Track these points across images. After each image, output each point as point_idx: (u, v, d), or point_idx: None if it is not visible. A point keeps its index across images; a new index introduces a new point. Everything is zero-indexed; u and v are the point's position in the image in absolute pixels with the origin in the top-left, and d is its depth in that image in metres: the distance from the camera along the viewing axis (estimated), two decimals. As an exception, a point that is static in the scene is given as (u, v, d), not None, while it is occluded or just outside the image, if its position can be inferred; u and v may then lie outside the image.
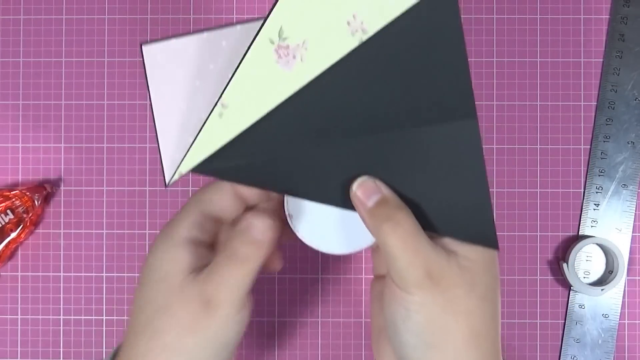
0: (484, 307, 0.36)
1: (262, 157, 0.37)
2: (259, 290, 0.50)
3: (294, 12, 0.36)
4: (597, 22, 0.50)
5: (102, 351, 0.49)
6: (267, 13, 0.35)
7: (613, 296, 0.49)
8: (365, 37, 0.36)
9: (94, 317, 0.50)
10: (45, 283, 0.50)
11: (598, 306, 0.49)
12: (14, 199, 0.48)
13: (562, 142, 0.50)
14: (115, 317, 0.49)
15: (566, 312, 0.49)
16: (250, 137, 0.37)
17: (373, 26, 0.36)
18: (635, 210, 0.49)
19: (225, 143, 0.37)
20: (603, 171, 0.49)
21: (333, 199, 0.38)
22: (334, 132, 0.37)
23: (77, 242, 0.50)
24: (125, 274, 0.50)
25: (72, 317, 0.50)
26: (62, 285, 0.50)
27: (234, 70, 0.36)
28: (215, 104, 0.36)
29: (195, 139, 0.37)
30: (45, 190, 0.49)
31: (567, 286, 0.49)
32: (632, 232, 0.49)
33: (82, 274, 0.50)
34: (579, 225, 0.49)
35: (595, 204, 0.49)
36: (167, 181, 0.38)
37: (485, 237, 0.37)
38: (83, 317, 0.50)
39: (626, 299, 0.49)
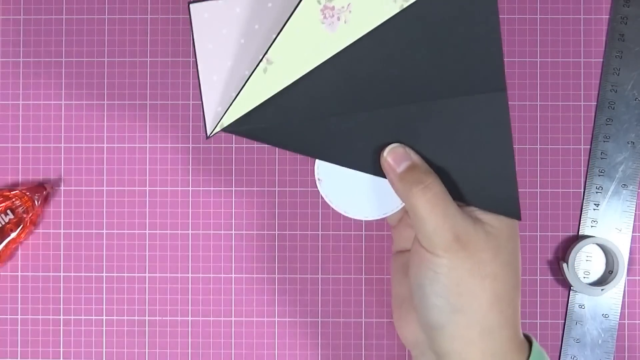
0: (508, 273, 0.38)
1: (296, 120, 0.39)
2: (259, 290, 0.50)
3: None
4: (597, 22, 0.50)
5: (102, 351, 0.49)
6: None
7: (613, 296, 0.49)
8: (406, 5, 0.38)
9: (94, 317, 0.50)
10: (45, 283, 0.50)
11: (598, 306, 0.49)
12: (14, 199, 0.48)
13: (562, 142, 0.50)
14: (115, 317, 0.49)
15: (566, 312, 0.49)
16: (287, 99, 0.39)
17: None
18: (635, 210, 0.49)
19: (263, 103, 0.39)
20: (603, 171, 0.49)
21: (363, 165, 0.40)
22: (368, 99, 0.39)
23: (77, 242, 0.50)
24: (125, 274, 0.50)
25: (72, 317, 0.50)
26: (62, 285, 0.50)
27: (280, 28, 0.38)
28: (261, 60, 0.38)
29: (239, 93, 0.38)
30: (45, 190, 0.49)
31: (567, 286, 0.49)
32: (632, 232, 0.49)
33: (82, 274, 0.50)
34: (579, 225, 0.49)
35: (595, 204, 0.49)
36: (208, 133, 0.39)
37: (509, 207, 0.39)
38: (83, 317, 0.50)
39: (626, 299, 0.49)
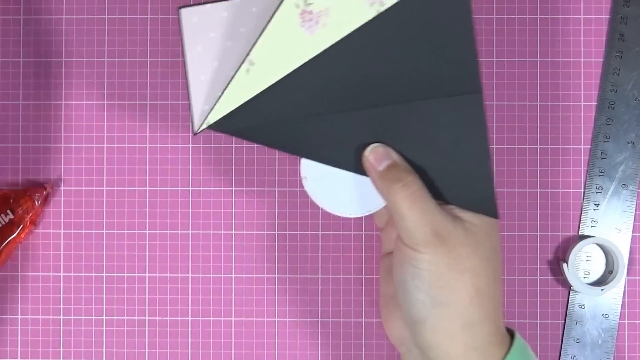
0: (487, 268, 0.39)
1: (281, 119, 0.40)
2: (259, 290, 0.50)
3: None
4: (597, 22, 0.50)
5: (102, 351, 0.49)
6: None
7: (613, 296, 0.49)
8: (382, 9, 0.39)
9: (94, 317, 0.50)
10: (45, 283, 0.50)
11: (598, 306, 0.49)
12: (13, 199, 0.48)
13: (562, 142, 0.50)
14: (115, 317, 0.49)
15: (566, 312, 0.49)
16: (269, 99, 0.40)
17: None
18: (635, 210, 0.49)
19: (247, 103, 0.40)
20: (603, 171, 0.49)
21: (346, 163, 0.41)
22: (347, 100, 0.40)
23: (77, 242, 0.50)
24: (125, 274, 0.50)
25: (72, 317, 0.50)
26: (62, 285, 0.50)
27: (261, 30, 0.39)
28: (243, 61, 0.39)
29: (223, 92, 0.40)
30: (45, 190, 0.49)
31: (567, 286, 0.49)
32: (632, 232, 0.49)
33: (82, 274, 0.50)
34: (579, 225, 0.49)
35: (595, 204, 0.49)
36: (195, 129, 0.41)
37: (487, 206, 0.40)
38: (83, 317, 0.50)
39: (626, 299, 0.49)
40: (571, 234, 0.49)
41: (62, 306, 0.50)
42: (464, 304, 0.38)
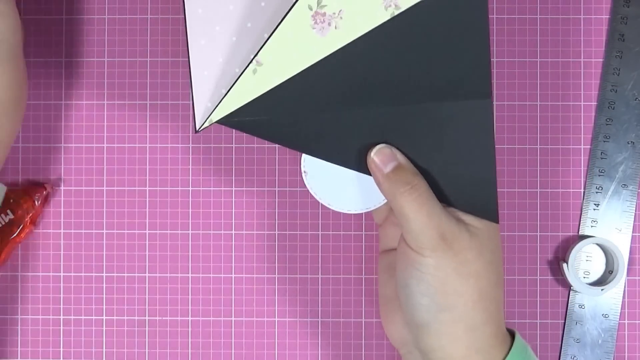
0: (491, 271, 0.39)
1: (286, 115, 0.40)
2: (259, 290, 0.50)
3: None
4: (597, 22, 0.50)
5: (102, 351, 0.49)
6: None
7: (613, 296, 0.49)
8: (397, 12, 0.38)
9: (94, 317, 0.49)
10: (45, 283, 0.50)
11: (598, 306, 0.49)
12: (13, 199, 0.48)
13: (562, 142, 0.50)
14: (115, 317, 0.49)
15: (566, 312, 0.49)
16: (277, 95, 0.39)
17: (406, 3, 0.38)
18: (635, 210, 0.49)
19: (252, 101, 0.39)
20: (603, 171, 0.49)
21: (349, 161, 0.41)
22: (356, 99, 0.40)
23: (77, 242, 0.50)
24: (125, 274, 0.50)
25: (72, 317, 0.49)
26: (62, 285, 0.50)
27: (271, 30, 0.38)
28: (251, 61, 0.39)
29: (228, 91, 0.39)
30: (45, 190, 0.49)
31: (567, 286, 0.49)
32: (632, 232, 0.49)
33: (82, 274, 0.50)
34: (579, 225, 0.49)
35: (595, 204, 0.49)
36: (197, 127, 0.40)
37: (488, 210, 0.40)
38: (83, 317, 0.50)
39: (626, 299, 0.49)
40: (571, 234, 0.49)
41: (62, 306, 0.50)
42: (468, 307, 0.38)
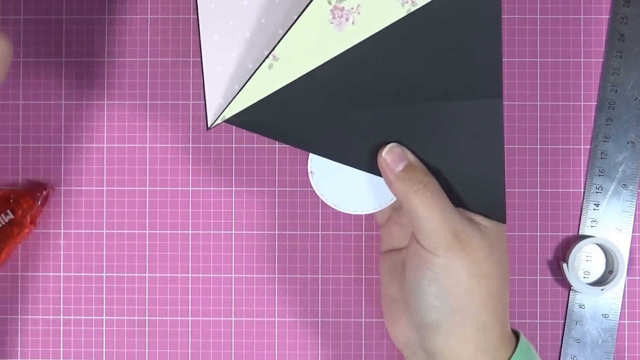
0: (500, 272, 0.39)
1: (298, 114, 0.39)
2: (259, 290, 0.50)
3: None
4: (597, 22, 0.50)
5: (102, 351, 0.49)
6: None
7: (613, 296, 0.49)
8: (413, 9, 0.38)
9: (94, 317, 0.49)
10: (45, 283, 0.50)
11: (598, 306, 0.49)
12: (13, 199, 0.48)
13: (562, 142, 0.50)
14: (115, 317, 0.49)
15: (566, 312, 0.49)
16: (290, 93, 0.39)
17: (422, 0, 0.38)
18: (635, 210, 0.49)
19: (265, 98, 0.39)
20: (603, 171, 0.49)
21: (357, 161, 0.40)
22: (367, 98, 0.39)
23: (77, 242, 0.50)
24: (125, 274, 0.50)
25: (72, 317, 0.49)
26: (62, 285, 0.50)
27: (286, 27, 0.38)
28: (267, 56, 0.38)
29: (242, 87, 0.39)
30: (45, 190, 0.49)
31: (567, 286, 0.49)
32: (632, 232, 0.49)
33: (82, 274, 0.50)
34: (579, 225, 0.49)
35: (595, 204, 0.49)
36: (209, 124, 0.40)
37: (496, 210, 0.40)
38: (83, 317, 0.50)
39: (626, 299, 0.49)
40: (571, 234, 0.49)
41: (62, 306, 0.50)
42: (479, 308, 0.38)
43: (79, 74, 0.50)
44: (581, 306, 0.49)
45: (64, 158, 0.50)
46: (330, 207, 0.42)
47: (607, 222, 0.49)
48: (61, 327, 0.50)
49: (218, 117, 0.40)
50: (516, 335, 0.40)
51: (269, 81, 0.39)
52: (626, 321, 0.49)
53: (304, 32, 0.38)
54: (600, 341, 0.48)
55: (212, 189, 0.50)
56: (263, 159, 0.50)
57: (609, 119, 0.49)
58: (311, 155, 0.41)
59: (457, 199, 0.39)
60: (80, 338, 0.49)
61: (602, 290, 0.48)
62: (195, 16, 0.39)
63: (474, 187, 0.40)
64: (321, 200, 0.42)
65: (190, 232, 0.50)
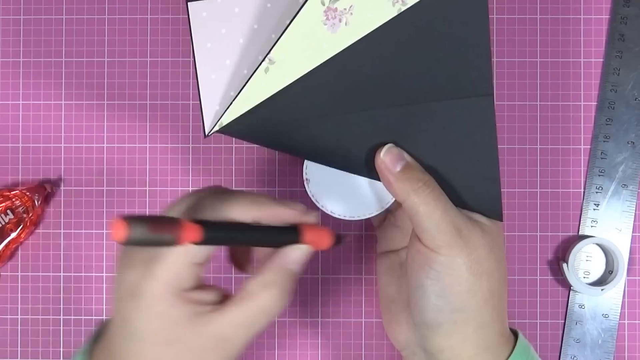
0: (499, 269, 0.39)
1: (293, 119, 0.40)
2: (259, 290, 0.49)
3: None
4: (597, 22, 0.50)
5: (102, 351, 0.49)
6: None
7: (613, 296, 0.49)
8: (403, 8, 0.39)
9: (93, 317, 0.49)
10: (45, 283, 0.50)
11: (598, 306, 0.49)
12: (14, 199, 0.48)
13: (562, 142, 0.50)
14: (115, 317, 0.49)
15: (566, 312, 0.49)
16: (284, 99, 0.39)
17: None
18: (635, 210, 0.49)
19: (260, 104, 0.39)
20: (603, 171, 0.49)
21: (352, 166, 0.40)
22: (360, 101, 0.40)
23: (77, 242, 0.50)
24: (125, 274, 0.50)
25: (72, 317, 0.49)
26: (62, 285, 0.50)
27: (281, 30, 0.38)
28: (263, 60, 0.38)
29: (239, 92, 0.39)
30: (45, 190, 0.49)
31: (567, 286, 0.49)
32: (632, 232, 0.49)
33: (82, 274, 0.50)
34: (579, 225, 0.49)
35: (595, 204, 0.49)
36: (207, 132, 0.40)
37: (493, 208, 0.40)
38: (83, 317, 0.50)
39: (626, 299, 0.49)
40: (571, 234, 0.49)
41: (62, 306, 0.50)
42: (480, 306, 0.38)
43: (79, 74, 0.50)
44: (581, 306, 0.49)
45: (64, 158, 0.50)
46: (326, 212, 0.42)
47: (607, 222, 0.49)
48: (61, 327, 0.50)
49: (215, 124, 0.40)
50: (515, 335, 0.40)
51: (265, 85, 0.39)
52: (626, 321, 0.49)
53: (299, 34, 0.38)
54: (600, 341, 0.48)
55: (212, 189, 0.50)
56: (263, 159, 0.50)
57: (609, 119, 0.49)
58: (306, 162, 0.41)
59: (453, 199, 0.39)
60: (80, 338, 0.49)
61: (602, 290, 0.48)
62: (188, 24, 0.40)
63: (469, 186, 0.40)
64: (319, 204, 0.42)
65: (190, 232, 0.50)
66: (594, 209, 0.49)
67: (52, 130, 0.50)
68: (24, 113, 0.50)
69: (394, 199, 0.41)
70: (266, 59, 0.38)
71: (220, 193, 0.35)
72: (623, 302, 0.49)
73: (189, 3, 0.39)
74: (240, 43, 0.39)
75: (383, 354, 0.49)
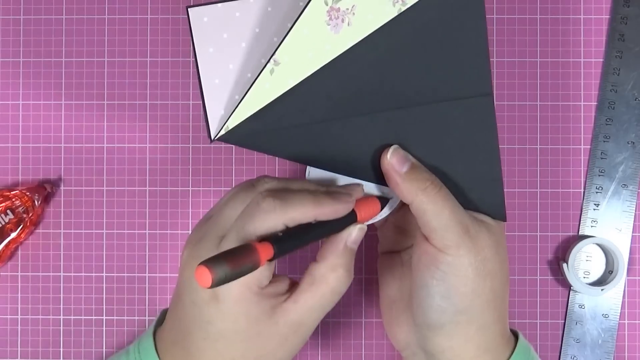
0: (502, 270, 0.39)
1: (297, 123, 0.39)
2: (259, 290, 0.49)
3: None
4: (597, 22, 0.50)
5: (102, 351, 0.49)
6: None
7: (613, 296, 0.49)
8: (403, 8, 0.39)
9: (94, 317, 0.49)
10: (45, 283, 0.50)
11: (598, 306, 0.49)
12: (14, 199, 0.48)
13: (562, 142, 0.50)
14: (115, 317, 0.49)
15: (566, 312, 0.49)
16: (287, 103, 0.39)
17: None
18: (635, 210, 0.49)
19: (264, 107, 0.39)
20: (603, 171, 0.49)
21: (355, 170, 0.40)
22: (361, 104, 0.40)
23: (77, 242, 0.50)
24: (125, 274, 0.50)
25: (72, 317, 0.49)
26: (62, 285, 0.50)
27: (283, 33, 0.38)
28: (268, 62, 0.38)
29: (245, 95, 0.39)
30: (45, 190, 0.49)
31: (567, 286, 0.49)
32: (632, 232, 0.49)
33: (82, 274, 0.50)
34: (579, 225, 0.49)
35: (595, 204, 0.49)
36: (212, 136, 0.40)
37: (496, 209, 0.40)
38: (83, 317, 0.50)
39: (626, 299, 0.49)
40: (571, 234, 0.49)
41: (62, 306, 0.50)
42: (483, 307, 0.38)
43: (79, 74, 0.50)
44: (581, 306, 0.49)
45: (64, 158, 0.50)
46: None
47: (607, 222, 0.49)
48: (61, 327, 0.50)
49: (221, 128, 0.40)
50: (515, 335, 0.40)
51: (270, 87, 0.39)
52: (626, 321, 0.49)
53: (303, 35, 0.38)
54: (600, 341, 0.48)
55: (212, 189, 0.50)
56: (263, 159, 0.50)
57: (609, 119, 0.49)
58: (308, 168, 0.41)
59: (457, 199, 0.39)
60: (80, 338, 0.49)
61: (602, 290, 0.48)
62: (189, 29, 0.40)
63: (472, 187, 0.40)
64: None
65: (190, 232, 0.50)
66: (594, 209, 0.49)
67: (52, 130, 0.50)
68: (24, 113, 0.50)
69: (396, 202, 0.41)
70: (271, 60, 0.39)
71: (277, 192, 0.37)
72: (623, 302, 0.49)
73: (189, 9, 0.39)
74: (243, 47, 0.39)
75: (383, 354, 0.49)
